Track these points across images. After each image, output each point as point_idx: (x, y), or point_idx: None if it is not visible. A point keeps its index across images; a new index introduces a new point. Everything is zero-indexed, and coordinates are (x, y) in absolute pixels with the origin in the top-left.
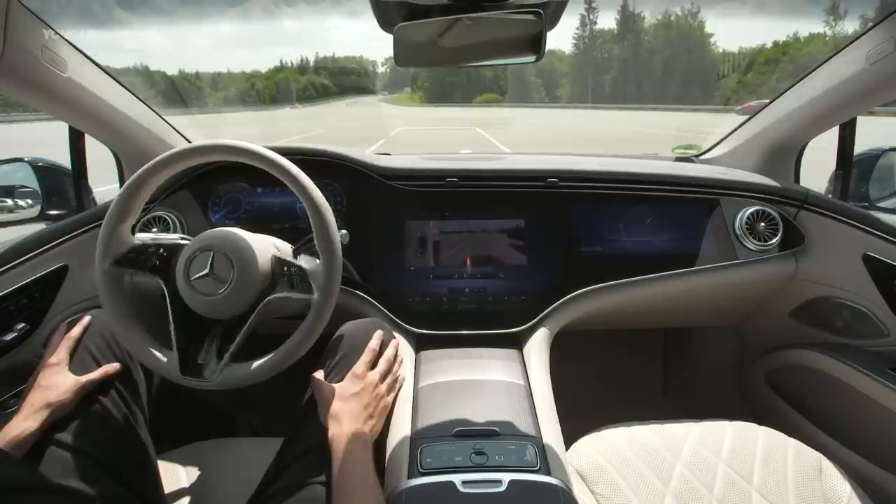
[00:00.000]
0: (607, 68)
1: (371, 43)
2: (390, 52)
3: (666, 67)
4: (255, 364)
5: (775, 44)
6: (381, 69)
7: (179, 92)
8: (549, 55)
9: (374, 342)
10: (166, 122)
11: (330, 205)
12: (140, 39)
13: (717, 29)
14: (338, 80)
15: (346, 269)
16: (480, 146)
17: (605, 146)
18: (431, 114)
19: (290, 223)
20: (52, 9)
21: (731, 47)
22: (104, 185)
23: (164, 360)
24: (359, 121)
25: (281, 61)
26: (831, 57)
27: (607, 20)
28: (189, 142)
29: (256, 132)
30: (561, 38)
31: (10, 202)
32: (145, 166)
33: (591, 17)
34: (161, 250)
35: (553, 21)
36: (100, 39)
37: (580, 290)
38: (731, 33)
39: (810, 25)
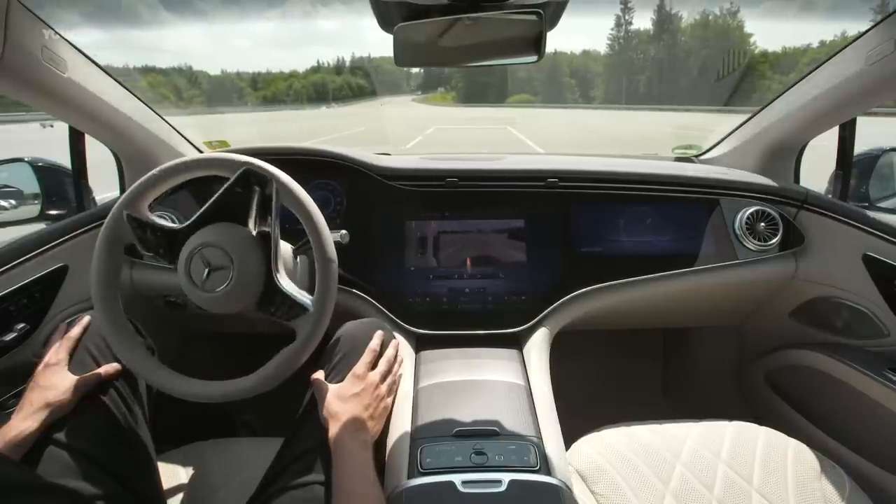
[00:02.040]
0: (642, 69)
1: None
2: None
3: (702, 68)
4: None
5: (822, 43)
6: (415, 69)
7: (221, 91)
8: (584, 55)
9: (375, 342)
10: (167, 122)
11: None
12: (184, 40)
13: (759, 29)
14: (373, 80)
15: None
16: (513, 146)
17: (638, 146)
18: (465, 113)
19: (290, 224)
20: (100, 11)
21: (773, 47)
22: (106, 191)
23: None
24: (394, 120)
25: (318, 61)
26: (831, 57)
27: (643, 20)
28: (189, 141)
29: (294, 129)
30: (595, 38)
31: (10, 202)
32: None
33: (627, 17)
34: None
35: (553, 21)
36: (146, 40)
37: (580, 290)
38: (774, 33)
39: (859, 24)
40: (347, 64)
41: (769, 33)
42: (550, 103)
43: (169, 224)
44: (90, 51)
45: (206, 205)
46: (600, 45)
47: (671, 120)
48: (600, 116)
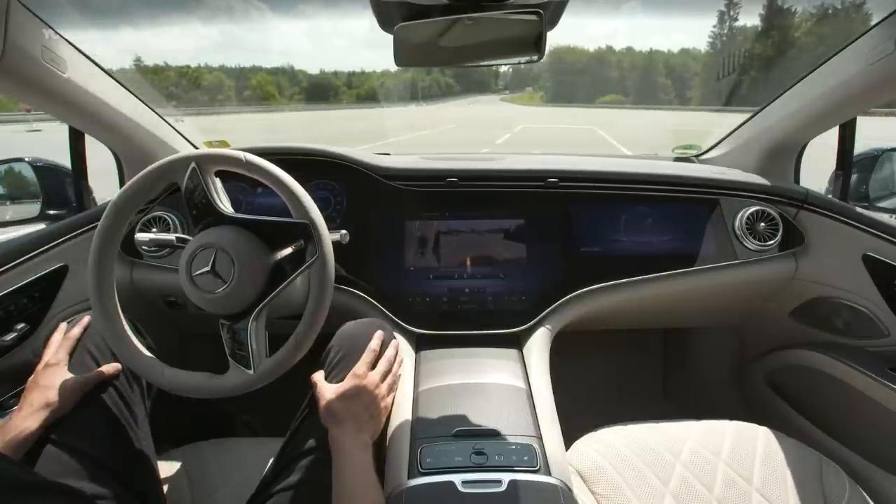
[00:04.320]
0: (746, 67)
1: None
2: None
3: (816, 66)
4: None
5: None
6: (503, 68)
7: (319, 89)
8: (683, 54)
9: (375, 342)
10: (167, 122)
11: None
12: (286, 41)
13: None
14: (461, 78)
15: (338, 269)
16: (598, 147)
17: None
18: (552, 113)
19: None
20: (217, 14)
21: None
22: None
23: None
24: (482, 118)
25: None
26: (831, 57)
27: (750, 17)
28: (189, 141)
29: (384, 126)
30: (695, 36)
31: (10, 202)
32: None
33: (732, 12)
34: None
35: (553, 21)
36: (254, 42)
37: (580, 291)
38: None
39: None
40: (521, 62)
41: None
42: (642, 104)
43: (160, 239)
44: (209, 52)
45: (274, 221)
46: (701, 42)
47: None
48: (696, 118)
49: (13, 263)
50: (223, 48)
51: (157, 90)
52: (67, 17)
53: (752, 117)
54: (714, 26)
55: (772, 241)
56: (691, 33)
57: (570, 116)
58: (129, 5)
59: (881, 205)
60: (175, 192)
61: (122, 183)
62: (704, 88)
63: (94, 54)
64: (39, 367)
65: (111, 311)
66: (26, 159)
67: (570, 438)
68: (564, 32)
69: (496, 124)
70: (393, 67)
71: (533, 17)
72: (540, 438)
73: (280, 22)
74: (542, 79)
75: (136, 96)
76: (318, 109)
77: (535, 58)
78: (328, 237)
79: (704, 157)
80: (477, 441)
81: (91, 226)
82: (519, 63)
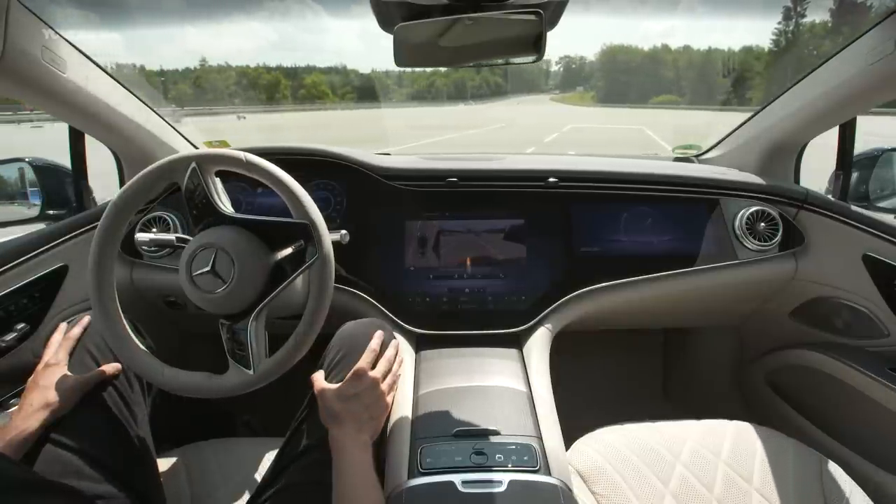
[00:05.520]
0: (812, 66)
1: (550, 41)
2: (565, 51)
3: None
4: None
5: None
6: (554, 67)
7: (370, 88)
8: (745, 52)
9: (375, 342)
10: (167, 122)
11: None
12: (339, 41)
13: None
14: (511, 78)
15: (338, 269)
16: (645, 147)
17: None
18: (602, 113)
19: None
20: (273, 16)
21: None
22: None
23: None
24: (531, 117)
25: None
26: (831, 57)
27: (819, 12)
28: (189, 142)
29: (434, 124)
30: (759, 34)
31: (10, 202)
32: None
33: (799, 8)
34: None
35: (553, 21)
36: (308, 42)
37: (580, 291)
38: None
39: None
40: (521, 62)
41: None
42: (698, 104)
43: (160, 240)
44: (268, 52)
45: (272, 222)
46: (764, 40)
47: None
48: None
49: (13, 263)
50: (280, 48)
51: (220, 89)
52: (96, 17)
53: (752, 117)
54: (779, 23)
55: (772, 241)
56: (754, 31)
57: (622, 117)
58: (195, 6)
59: (881, 205)
60: (175, 192)
61: (122, 183)
62: (766, 89)
63: (161, 57)
64: (39, 367)
65: (111, 311)
66: (26, 159)
67: (570, 438)
68: (617, 31)
69: (545, 124)
70: (443, 67)
71: (533, 17)
72: (540, 438)
73: (333, 22)
74: (594, 78)
75: (136, 96)
76: (370, 108)
77: (535, 57)
78: (328, 237)
79: (704, 157)
80: (477, 441)
81: (91, 226)
82: (519, 63)
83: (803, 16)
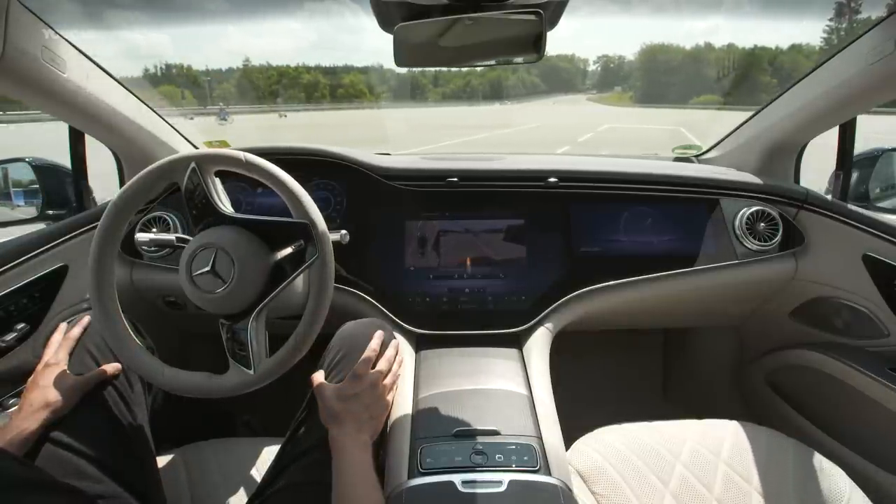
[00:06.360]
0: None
1: (585, 41)
2: (603, 50)
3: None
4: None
5: None
6: (591, 67)
7: (405, 88)
8: (795, 51)
9: (375, 342)
10: (168, 123)
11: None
12: (376, 41)
13: None
14: (547, 77)
15: (338, 269)
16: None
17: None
18: (639, 113)
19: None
20: (314, 16)
21: None
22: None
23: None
24: (567, 117)
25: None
26: (831, 57)
27: (875, 8)
28: (189, 142)
29: (469, 124)
30: (810, 31)
31: (10, 202)
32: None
33: (853, 4)
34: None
35: (553, 21)
36: (346, 42)
37: (580, 291)
38: None
39: None
40: (522, 62)
41: None
42: (741, 105)
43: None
44: (308, 52)
45: (272, 221)
46: (815, 38)
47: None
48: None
49: (13, 263)
50: (319, 48)
51: (262, 88)
52: (112, 17)
53: (752, 117)
54: (830, 19)
55: (772, 241)
56: (804, 28)
57: (659, 116)
58: (239, 6)
59: (881, 205)
60: (175, 192)
61: (122, 183)
62: None
63: (205, 56)
64: (39, 367)
65: (111, 311)
66: (26, 159)
67: (570, 438)
68: (659, 30)
69: (580, 124)
70: (479, 67)
71: (533, 17)
72: (540, 438)
73: (370, 21)
74: (633, 78)
75: (136, 97)
76: (406, 107)
77: (535, 57)
78: (328, 237)
79: (704, 157)
80: (477, 441)
81: (91, 226)
82: (519, 63)
83: (858, 12)
